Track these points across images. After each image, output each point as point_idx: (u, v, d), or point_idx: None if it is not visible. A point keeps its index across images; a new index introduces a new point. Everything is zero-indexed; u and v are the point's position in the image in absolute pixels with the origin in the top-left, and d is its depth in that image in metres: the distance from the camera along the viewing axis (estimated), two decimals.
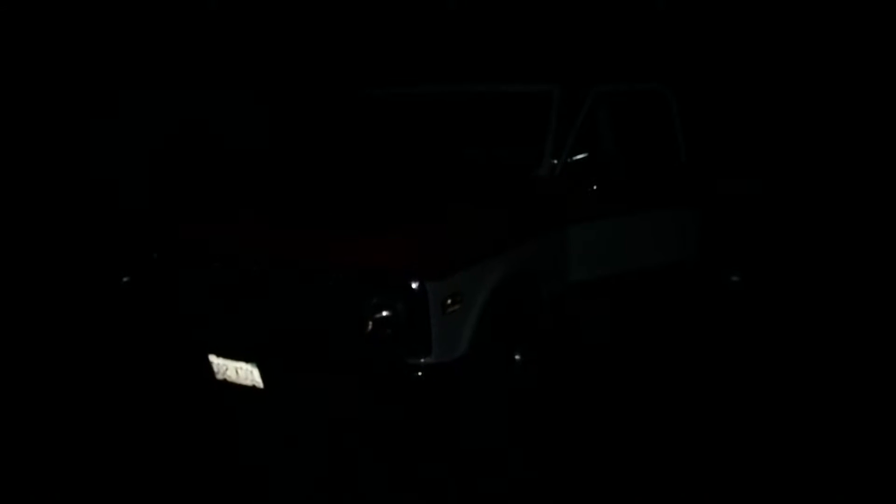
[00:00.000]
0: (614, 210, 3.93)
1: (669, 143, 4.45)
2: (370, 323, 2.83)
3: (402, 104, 4.54)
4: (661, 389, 3.97)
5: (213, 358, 3.16)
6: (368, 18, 7.53)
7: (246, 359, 3.07)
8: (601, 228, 3.86)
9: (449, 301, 2.85)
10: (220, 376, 3.19)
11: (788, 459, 3.23)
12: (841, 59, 7.15)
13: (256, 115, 7.01)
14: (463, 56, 7.55)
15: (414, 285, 2.76)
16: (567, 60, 7.20)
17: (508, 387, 3.32)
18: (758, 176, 5.22)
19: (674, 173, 4.38)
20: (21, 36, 5.59)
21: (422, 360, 2.82)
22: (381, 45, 7.56)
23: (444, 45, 7.61)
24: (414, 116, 4.45)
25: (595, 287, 3.86)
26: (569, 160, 3.79)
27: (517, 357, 3.40)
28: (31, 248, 5.47)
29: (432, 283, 2.78)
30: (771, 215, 5.29)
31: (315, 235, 3.05)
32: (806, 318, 4.95)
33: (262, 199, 3.69)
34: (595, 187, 3.86)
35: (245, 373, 3.09)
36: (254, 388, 3.11)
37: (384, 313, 2.81)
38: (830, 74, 7.12)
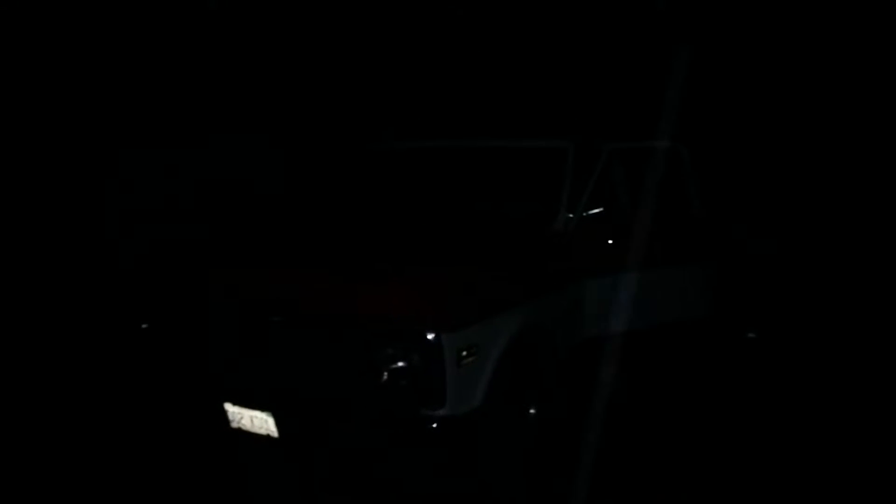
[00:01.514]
0: (630, 265, 3.95)
1: (684, 198, 4.49)
2: (385, 374, 2.85)
3: (416, 158, 4.63)
4: (675, 446, 3.93)
5: (228, 406, 3.18)
6: (378, 67, 7.71)
7: (261, 407, 3.09)
8: (616, 283, 3.88)
9: (464, 353, 2.86)
10: (234, 424, 3.20)
11: None
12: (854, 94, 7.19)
13: (271, 163, 7.15)
14: (469, 99, 7.69)
15: (429, 337, 2.78)
16: (577, 108, 7.33)
17: (523, 440, 3.31)
18: (773, 233, 5.24)
19: (689, 228, 4.41)
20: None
21: (436, 412, 2.83)
22: (392, 91, 7.72)
23: (449, 89, 7.75)
24: (429, 170, 4.53)
25: (610, 342, 3.86)
26: (584, 215, 3.84)
27: (532, 411, 3.39)
28: (51, 293, 5.55)
29: (447, 335, 2.80)
30: (787, 271, 5.29)
31: (331, 286, 3.09)
32: (823, 375, 4.89)
33: (279, 251, 3.75)
34: (610, 242, 3.90)
35: (260, 422, 3.11)
36: (268, 437, 3.11)
37: (399, 364, 2.83)
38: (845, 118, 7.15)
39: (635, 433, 4.05)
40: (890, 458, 3.74)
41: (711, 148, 5.30)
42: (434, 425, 2.82)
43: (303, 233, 4.15)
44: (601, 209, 3.92)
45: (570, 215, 3.80)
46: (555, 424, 3.51)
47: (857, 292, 5.96)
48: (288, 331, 3.09)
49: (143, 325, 3.56)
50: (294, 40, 7.26)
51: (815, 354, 5.20)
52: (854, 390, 4.60)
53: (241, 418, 3.16)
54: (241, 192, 6.72)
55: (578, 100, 7.66)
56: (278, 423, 3.06)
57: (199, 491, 3.44)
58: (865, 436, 3.99)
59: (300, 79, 7.38)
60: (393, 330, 2.86)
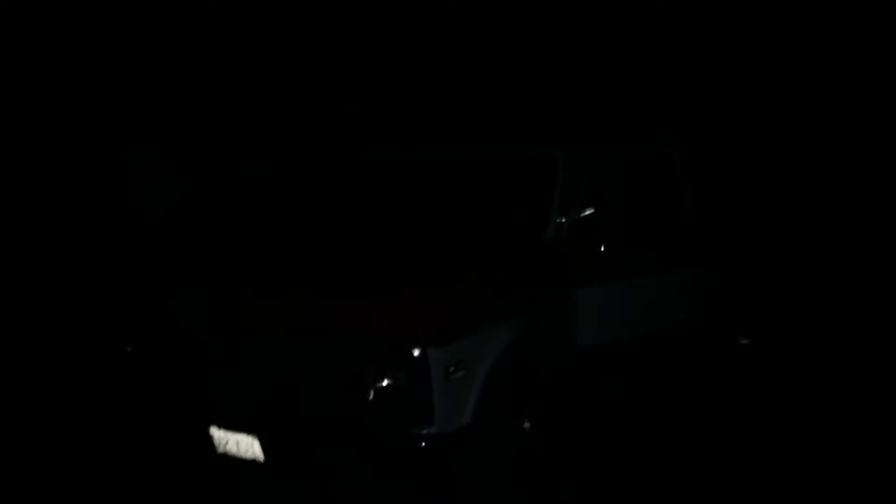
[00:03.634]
0: (623, 272, 3.87)
1: (676, 203, 4.42)
2: (371, 391, 2.76)
3: (404, 169, 4.56)
4: (672, 455, 3.84)
5: (214, 430, 3.10)
6: (369, 76, 7.63)
7: (247, 430, 3.01)
8: (610, 290, 3.80)
9: (452, 368, 2.77)
10: (220, 449, 3.11)
11: None
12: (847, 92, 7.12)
13: (253, 177, 7.08)
14: (457, 104, 7.60)
15: (415, 352, 2.69)
16: (570, 110, 7.25)
17: (517, 456, 3.21)
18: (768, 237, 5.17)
19: (681, 235, 4.34)
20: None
21: (424, 430, 2.74)
22: (381, 99, 7.65)
23: (439, 89, 7.66)
24: (417, 181, 4.46)
25: (604, 351, 3.77)
26: (575, 221, 3.76)
27: (526, 425, 3.30)
28: (35, 314, 5.48)
29: (434, 349, 2.71)
30: (781, 278, 5.21)
31: (315, 302, 3.02)
32: (816, 381, 4.80)
33: (262, 267, 3.68)
34: (602, 248, 3.82)
35: (245, 445, 3.02)
36: (254, 461, 3.03)
37: (385, 381, 2.75)
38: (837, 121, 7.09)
39: (632, 444, 3.97)
40: (885, 460, 3.65)
41: (707, 151, 5.22)
42: (422, 444, 2.73)
43: (286, 247, 4.08)
44: (593, 216, 3.84)
45: (562, 223, 3.72)
46: (551, 438, 3.42)
47: (852, 296, 5.88)
48: (272, 350, 3.01)
49: (128, 349, 3.49)
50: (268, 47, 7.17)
51: (809, 361, 5.11)
52: (849, 397, 4.50)
53: (227, 443, 3.08)
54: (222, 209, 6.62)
55: (571, 100, 7.58)
56: (264, 447, 2.97)
57: None
58: (860, 444, 3.90)
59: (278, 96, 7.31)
60: (377, 346, 2.78)
